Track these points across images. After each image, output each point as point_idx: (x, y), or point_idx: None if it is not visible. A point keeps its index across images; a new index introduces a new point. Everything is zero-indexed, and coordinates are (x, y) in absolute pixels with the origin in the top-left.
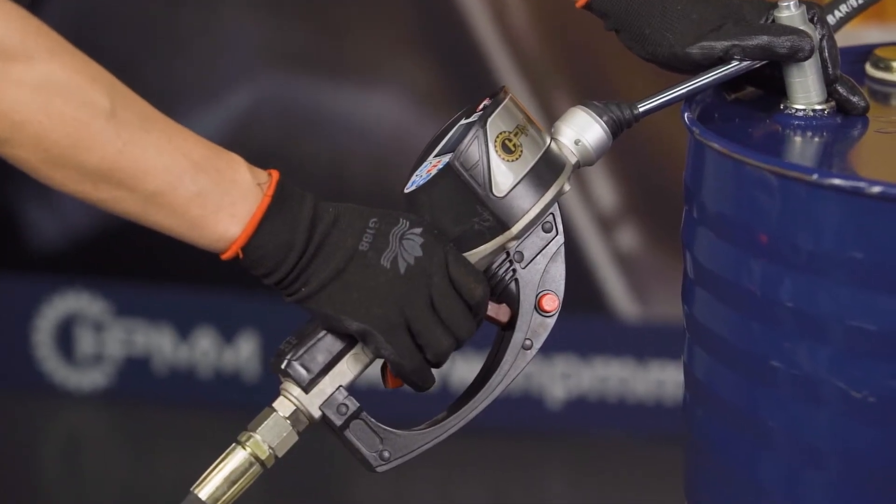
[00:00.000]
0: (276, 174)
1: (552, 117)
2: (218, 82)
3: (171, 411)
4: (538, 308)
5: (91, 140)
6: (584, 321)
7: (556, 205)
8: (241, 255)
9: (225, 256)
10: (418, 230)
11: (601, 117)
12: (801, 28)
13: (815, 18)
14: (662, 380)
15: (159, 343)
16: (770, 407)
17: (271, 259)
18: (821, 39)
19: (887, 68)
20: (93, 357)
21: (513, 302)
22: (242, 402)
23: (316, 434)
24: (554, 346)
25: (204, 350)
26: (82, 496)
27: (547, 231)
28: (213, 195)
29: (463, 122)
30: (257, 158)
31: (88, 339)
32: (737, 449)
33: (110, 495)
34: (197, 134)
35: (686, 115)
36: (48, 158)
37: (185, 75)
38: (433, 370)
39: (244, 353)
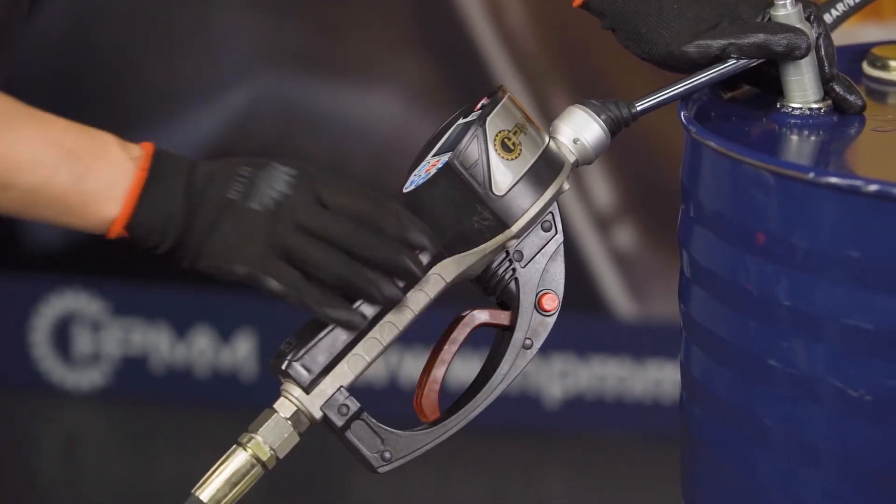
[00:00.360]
0: (149, 146)
1: (550, 116)
2: (216, 81)
3: (169, 410)
4: (538, 307)
5: None
6: (582, 320)
7: (555, 204)
8: (125, 234)
9: (110, 236)
10: (292, 171)
11: (599, 116)
12: (798, 26)
13: (812, 17)
14: (660, 379)
15: (156, 342)
16: (767, 405)
17: (156, 233)
18: (817, 38)
19: (884, 67)
20: (90, 356)
21: (512, 301)
22: (240, 401)
23: (314, 433)
24: (551, 345)
25: (201, 349)
26: (80, 495)
27: (546, 230)
28: (89, 180)
29: (461, 121)
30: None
31: (86, 338)
32: (734, 448)
33: (108, 494)
34: (64, 119)
35: (683, 113)
36: None
37: (183, 74)
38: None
39: (241, 352)
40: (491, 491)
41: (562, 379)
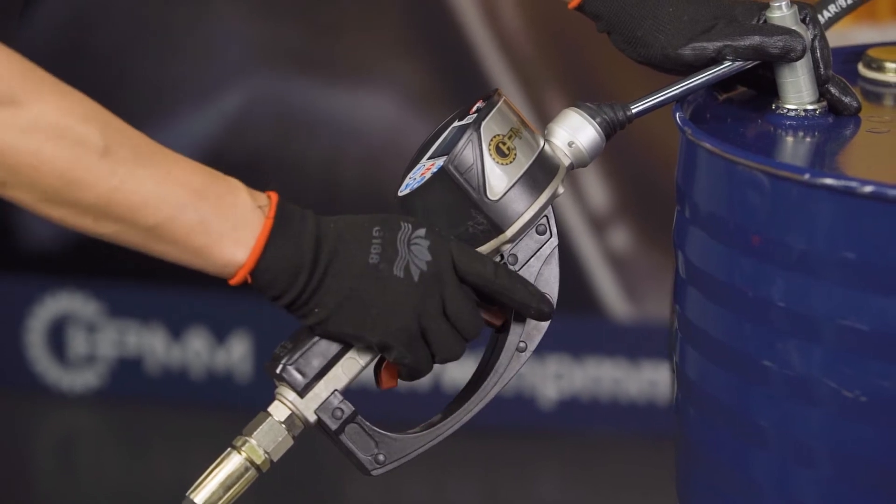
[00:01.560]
0: (275, 196)
1: (545, 118)
2: (211, 82)
3: (164, 412)
4: None
5: (85, 179)
6: (577, 321)
7: (550, 207)
8: (249, 280)
9: (233, 282)
10: (422, 232)
11: (594, 119)
12: (793, 28)
13: (808, 19)
14: (655, 380)
15: (152, 343)
16: (762, 406)
17: (281, 281)
18: (813, 40)
19: (880, 68)
20: (85, 358)
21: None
22: (235, 403)
23: (308, 434)
24: (546, 346)
25: (196, 350)
26: (76, 496)
27: (541, 233)
28: (214, 222)
29: (456, 124)
30: (251, 158)
31: (81, 339)
32: (729, 448)
33: (103, 495)
34: (193, 161)
35: (678, 115)
36: (45, 198)
37: (178, 75)
38: None
39: (236, 353)
40: (486, 491)
41: (557, 380)
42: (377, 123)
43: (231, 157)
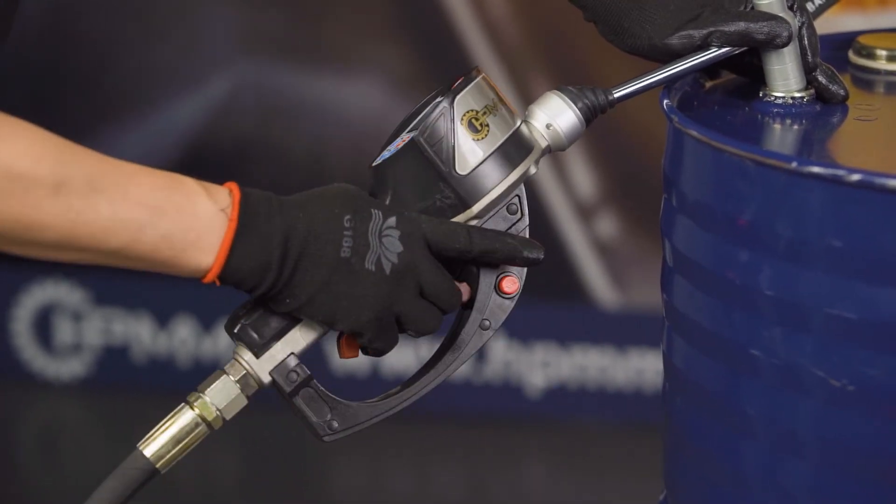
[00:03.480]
0: (236, 193)
1: (529, 104)
2: (196, 69)
3: (150, 400)
4: (498, 289)
5: (41, 220)
6: (564, 309)
7: (522, 187)
8: (217, 283)
9: (205, 282)
10: (392, 221)
11: (575, 103)
12: (780, 15)
13: (795, 6)
14: (642, 368)
15: (138, 332)
16: (749, 395)
17: (250, 280)
18: (800, 27)
19: (870, 55)
20: (71, 346)
21: (473, 281)
22: None
23: (294, 423)
24: (533, 334)
25: (182, 339)
26: (61, 485)
27: (512, 213)
28: (177, 236)
29: (437, 99)
30: (236, 146)
31: (67, 328)
32: (716, 437)
33: (89, 484)
34: (148, 168)
35: (665, 102)
36: (6, 240)
37: (162, 63)
38: None
39: (223, 341)
40: (472, 479)
41: (544, 368)
42: (362, 110)
43: (216, 144)
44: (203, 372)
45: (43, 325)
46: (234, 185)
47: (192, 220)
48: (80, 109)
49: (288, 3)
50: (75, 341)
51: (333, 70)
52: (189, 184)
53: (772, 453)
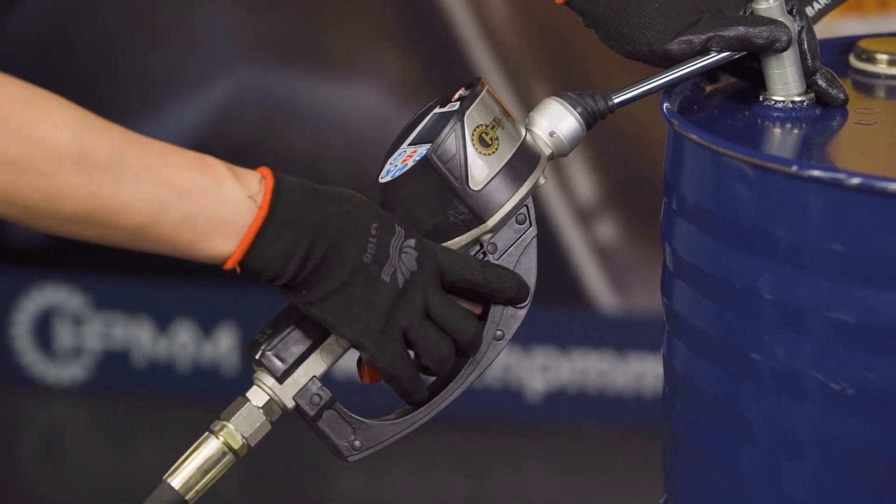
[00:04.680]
0: (269, 179)
1: (530, 109)
2: (197, 74)
3: (150, 404)
4: None
5: (61, 191)
6: (564, 313)
7: (530, 197)
8: (237, 269)
9: (225, 268)
10: (412, 242)
11: (575, 109)
12: (779, 19)
13: (794, 10)
14: (642, 372)
15: (138, 336)
16: (749, 399)
17: (272, 269)
18: (799, 31)
19: (870, 60)
20: (71, 350)
21: None
22: (221, 395)
23: (293, 427)
24: (533, 338)
25: (182, 343)
26: (61, 489)
27: (520, 223)
28: (200, 219)
29: (437, 111)
30: (236, 150)
31: (67, 332)
32: (716, 441)
33: (89, 488)
34: (177, 147)
35: (665, 106)
36: (25, 213)
37: (164, 67)
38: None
39: (223, 346)
40: (472, 484)
41: (543, 372)
42: (362, 114)
43: (216, 148)
44: (203, 376)
45: (43, 330)
46: (267, 171)
47: (217, 205)
48: None
49: (288, 8)
50: (75, 345)
51: (334, 74)
52: (218, 166)
53: (772, 457)
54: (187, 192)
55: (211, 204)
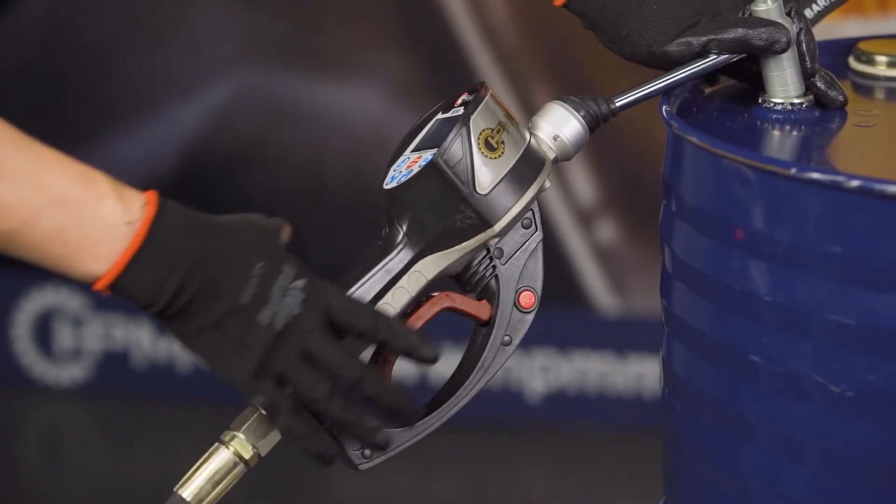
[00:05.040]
0: (151, 207)
1: (530, 111)
2: (197, 74)
3: (150, 406)
4: (517, 304)
5: None
6: (564, 315)
7: (535, 201)
8: (106, 292)
9: (94, 289)
10: (301, 283)
11: (578, 112)
12: (778, 21)
13: (793, 12)
14: (642, 373)
15: (138, 337)
16: (749, 401)
17: (143, 298)
18: (798, 33)
19: (870, 62)
20: (71, 351)
21: (492, 298)
22: (222, 397)
23: None
24: (533, 339)
25: None
26: (61, 490)
27: (526, 227)
28: (74, 234)
29: (440, 116)
30: (236, 150)
31: (67, 333)
32: (716, 442)
33: (89, 489)
34: (68, 157)
35: (664, 108)
36: None
37: (164, 67)
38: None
39: None
40: (472, 485)
41: (543, 373)
42: (362, 116)
43: (216, 150)
44: (203, 377)
45: (43, 331)
46: (153, 196)
47: (91, 223)
48: (80, 116)
49: (288, 9)
50: (75, 346)
51: (334, 76)
52: (102, 182)
53: (771, 458)
54: (64, 203)
55: (87, 220)
